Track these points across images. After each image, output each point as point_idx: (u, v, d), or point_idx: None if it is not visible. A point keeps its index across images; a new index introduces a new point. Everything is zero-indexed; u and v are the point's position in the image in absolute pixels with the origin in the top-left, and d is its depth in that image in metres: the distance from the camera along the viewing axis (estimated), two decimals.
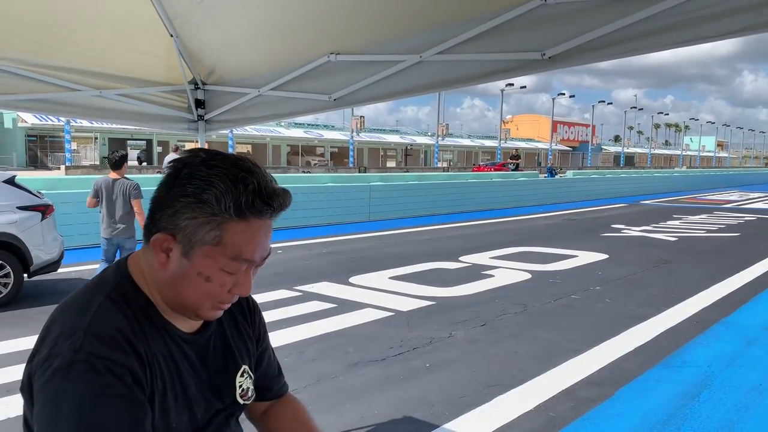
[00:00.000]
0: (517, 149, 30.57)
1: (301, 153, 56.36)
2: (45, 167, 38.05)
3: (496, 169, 31.05)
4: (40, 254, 6.61)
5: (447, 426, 3.63)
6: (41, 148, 42.73)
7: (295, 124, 61.52)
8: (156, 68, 2.73)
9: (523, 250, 10.57)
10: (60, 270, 7.10)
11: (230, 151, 40.99)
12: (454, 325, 5.81)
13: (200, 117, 3.01)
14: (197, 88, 2.90)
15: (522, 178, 24.56)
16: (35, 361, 0.92)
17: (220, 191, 0.92)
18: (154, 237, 0.96)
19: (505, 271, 8.58)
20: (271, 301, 6.63)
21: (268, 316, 6.51)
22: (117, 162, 5.99)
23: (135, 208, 5.96)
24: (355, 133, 44.56)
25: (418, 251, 10.39)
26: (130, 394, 0.90)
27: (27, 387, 0.94)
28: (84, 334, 0.89)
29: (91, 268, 8.02)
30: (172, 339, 1.01)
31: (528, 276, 8.30)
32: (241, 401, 1.14)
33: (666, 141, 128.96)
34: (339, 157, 57.39)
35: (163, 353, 0.99)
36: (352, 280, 7.86)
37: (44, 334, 0.95)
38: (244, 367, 1.15)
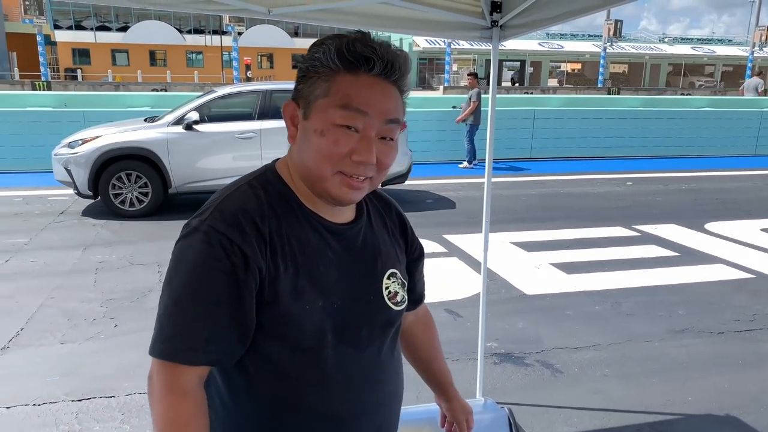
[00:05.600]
0: None
1: (683, 72, 49.41)
2: (431, 87, 42.32)
3: None
4: (393, 167, 7.26)
5: None
6: (429, 70, 47.51)
7: (682, 39, 54.01)
8: None
9: None
10: (407, 182, 7.65)
11: (601, 70, 38.32)
12: None
13: (494, 23, 2.60)
14: None
15: None
16: None
17: (327, 46, 0.96)
18: (282, 109, 1.02)
19: None
20: (599, 238, 5.98)
21: (591, 255, 5.71)
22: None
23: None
24: (757, 47, 36.54)
25: None
26: (233, 273, 0.93)
27: None
28: (212, 210, 0.97)
29: (437, 182, 8.56)
30: (313, 228, 1.03)
31: None
32: (389, 302, 1.11)
33: None
34: (733, 77, 48.40)
35: (299, 237, 1.00)
36: (709, 226, 6.53)
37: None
38: (393, 270, 1.13)
